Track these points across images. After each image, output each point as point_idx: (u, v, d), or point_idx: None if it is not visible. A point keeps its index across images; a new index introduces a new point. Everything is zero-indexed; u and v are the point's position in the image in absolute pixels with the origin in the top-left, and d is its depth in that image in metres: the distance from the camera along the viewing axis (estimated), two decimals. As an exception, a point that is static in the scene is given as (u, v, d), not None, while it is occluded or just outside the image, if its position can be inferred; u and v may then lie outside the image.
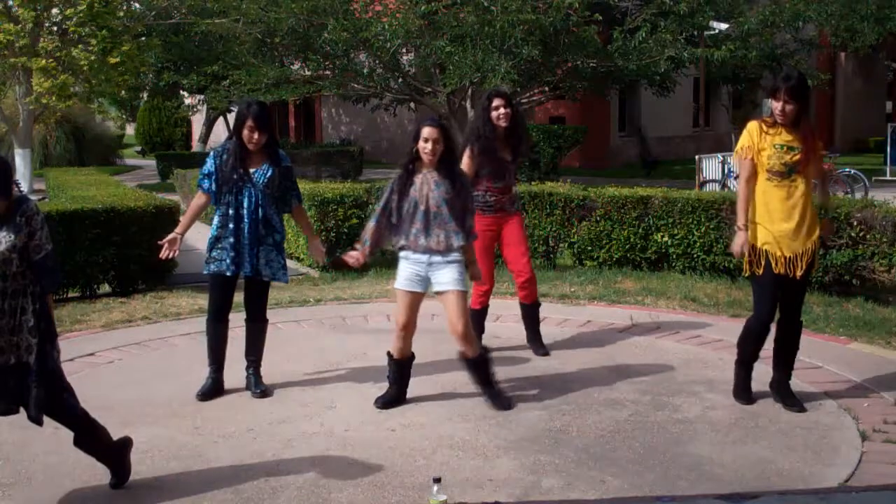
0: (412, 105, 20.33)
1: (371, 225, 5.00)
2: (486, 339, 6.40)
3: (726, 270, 8.40)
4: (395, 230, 4.94)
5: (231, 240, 5.14)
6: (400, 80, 17.46)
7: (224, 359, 5.35)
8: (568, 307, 7.52)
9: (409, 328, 5.01)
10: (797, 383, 5.37)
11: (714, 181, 15.93)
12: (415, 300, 4.97)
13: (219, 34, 19.08)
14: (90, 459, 4.37)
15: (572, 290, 8.06)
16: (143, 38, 20.61)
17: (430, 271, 4.92)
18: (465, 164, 5.68)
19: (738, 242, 4.88)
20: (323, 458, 4.35)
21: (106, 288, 8.39)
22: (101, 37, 16.87)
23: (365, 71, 16.82)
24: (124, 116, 40.12)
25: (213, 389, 5.26)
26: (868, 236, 7.56)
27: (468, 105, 17.07)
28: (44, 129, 24.28)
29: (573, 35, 15.18)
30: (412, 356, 5.14)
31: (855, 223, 7.62)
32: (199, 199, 5.28)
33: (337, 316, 7.34)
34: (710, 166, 16.49)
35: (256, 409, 5.08)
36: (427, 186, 4.86)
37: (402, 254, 4.96)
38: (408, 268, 4.93)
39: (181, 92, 27.70)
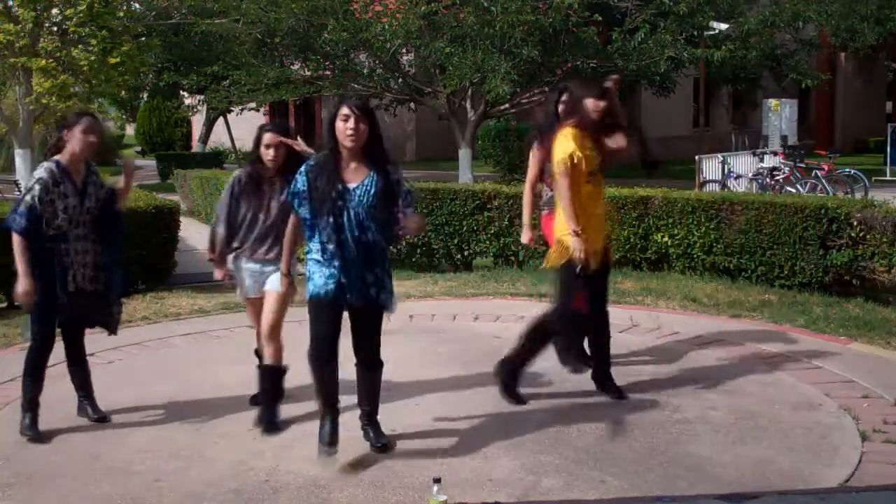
0: (412, 105, 20.33)
1: (221, 232, 4.84)
2: (487, 340, 6.41)
3: (726, 270, 8.40)
4: (232, 234, 4.84)
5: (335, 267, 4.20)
6: (400, 80, 17.47)
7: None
8: (568, 307, 7.51)
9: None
10: (797, 384, 5.38)
11: (714, 181, 15.93)
12: (261, 305, 4.86)
13: (219, 34, 19.07)
14: (89, 459, 4.37)
15: (572, 290, 8.05)
16: (143, 39, 20.58)
17: (262, 278, 4.85)
18: (531, 163, 5.55)
19: (578, 247, 4.82)
20: (323, 458, 4.35)
21: (106, 288, 8.38)
22: (101, 37, 16.85)
23: (365, 71, 16.84)
24: (124, 116, 40.14)
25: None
26: (868, 236, 7.56)
27: (468, 105, 17.07)
28: (44, 129, 24.28)
29: (573, 35, 15.20)
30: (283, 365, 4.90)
31: (855, 223, 7.62)
32: (292, 220, 4.38)
33: (337, 316, 7.33)
34: (710, 166, 16.49)
35: (256, 409, 5.07)
36: (269, 196, 4.78)
37: (235, 262, 4.86)
38: (245, 277, 4.87)
39: (181, 92, 27.70)
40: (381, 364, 4.43)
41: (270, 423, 4.70)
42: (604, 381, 5.22)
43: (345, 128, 4.12)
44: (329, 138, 4.20)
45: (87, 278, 4.62)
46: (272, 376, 4.83)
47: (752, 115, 29.63)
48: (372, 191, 4.16)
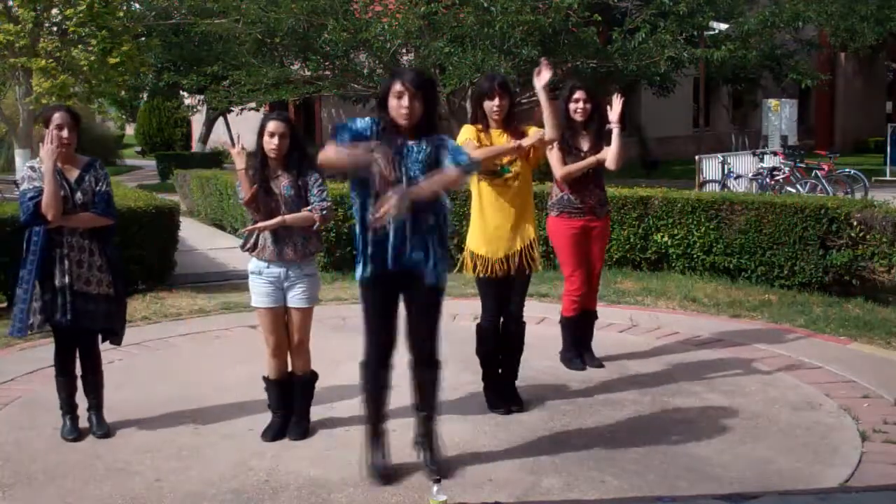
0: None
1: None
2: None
3: (726, 270, 8.40)
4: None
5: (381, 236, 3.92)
6: (400, 80, 17.45)
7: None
8: (568, 307, 7.51)
9: (284, 347, 4.65)
10: (797, 384, 5.38)
11: (714, 181, 15.93)
12: (279, 316, 4.60)
13: (219, 34, 19.05)
14: (89, 459, 4.37)
15: (572, 290, 8.05)
16: (143, 39, 20.60)
17: (286, 284, 4.56)
18: (555, 162, 5.49)
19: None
20: (323, 458, 4.35)
21: (106, 288, 8.38)
22: (101, 37, 16.85)
23: (365, 71, 16.83)
24: (124, 117, 40.12)
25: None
26: (868, 236, 7.56)
27: (468, 105, 17.05)
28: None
29: (573, 35, 15.18)
30: (291, 374, 4.73)
31: (855, 223, 7.63)
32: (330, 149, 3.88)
33: (337, 316, 7.34)
34: (710, 166, 16.50)
35: (256, 409, 5.07)
36: (278, 190, 4.51)
37: (253, 267, 4.56)
38: (262, 285, 4.55)
39: (181, 92, 27.71)
40: (436, 364, 4.08)
41: (306, 430, 4.68)
42: (509, 395, 5.07)
43: (398, 105, 3.81)
44: (383, 115, 3.90)
45: (81, 278, 4.54)
46: (305, 388, 4.75)
47: (752, 115, 29.64)
48: (427, 149, 3.87)
